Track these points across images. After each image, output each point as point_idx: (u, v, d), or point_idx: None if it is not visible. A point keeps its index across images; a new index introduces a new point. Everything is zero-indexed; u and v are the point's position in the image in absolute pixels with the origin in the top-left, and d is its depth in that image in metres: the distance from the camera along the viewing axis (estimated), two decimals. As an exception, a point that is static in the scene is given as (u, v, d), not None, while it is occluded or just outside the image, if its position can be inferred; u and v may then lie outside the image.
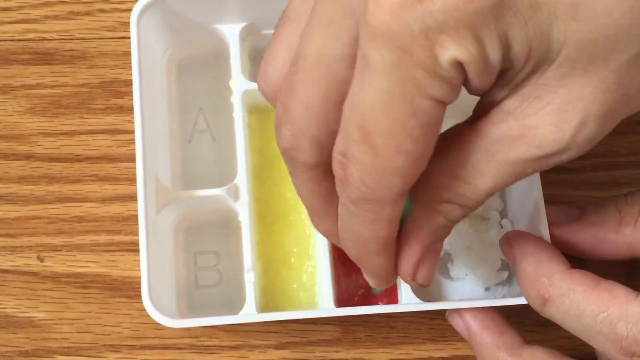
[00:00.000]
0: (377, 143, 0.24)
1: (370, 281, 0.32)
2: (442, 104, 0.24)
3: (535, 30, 0.23)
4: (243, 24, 0.40)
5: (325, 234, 0.31)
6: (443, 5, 0.22)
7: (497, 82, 0.25)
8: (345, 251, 0.30)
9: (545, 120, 0.25)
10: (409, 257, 0.30)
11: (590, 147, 0.26)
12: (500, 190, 0.28)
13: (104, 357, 0.40)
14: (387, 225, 0.27)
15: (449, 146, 0.27)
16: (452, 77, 0.23)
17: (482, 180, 0.27)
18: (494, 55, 0.23)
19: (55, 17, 0.44)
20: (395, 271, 0.30)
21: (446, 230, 0.29)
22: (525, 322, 0.38)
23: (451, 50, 0.22)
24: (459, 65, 0.23)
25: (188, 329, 0.40)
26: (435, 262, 0.31)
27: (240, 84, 0.39)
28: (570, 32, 0.23)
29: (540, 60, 0.24)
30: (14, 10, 0.44)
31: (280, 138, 0.27)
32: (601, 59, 0.24)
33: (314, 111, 0.25)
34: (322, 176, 0.28)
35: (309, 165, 0.27)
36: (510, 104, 0.25)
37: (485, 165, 0.26)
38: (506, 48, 0.23)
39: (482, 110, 0.26)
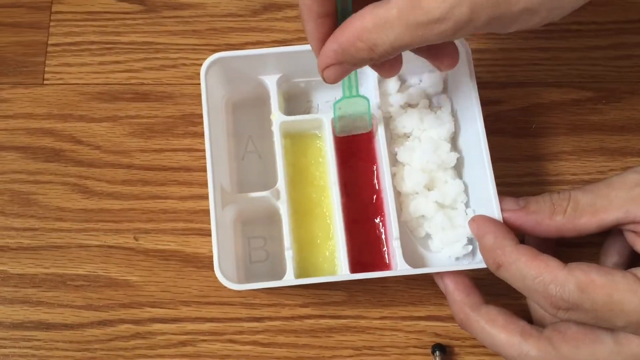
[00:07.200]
0: None
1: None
2: None
3: None
4: (279, 75, 0.44)
5: None
6: None
7: None
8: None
9: None
10: (322, 59, 0.34)
11: (466, 31, 0.30)
12: (404, 48, 0.31)
13: (178, 309, 0.45)
14: (310, 14, 0.33)
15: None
16: None
17: (391, 35, 0.31)
18: None
19: (151, 68, 0.49)
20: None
21: (353, 65, 0.34)
22: (483, 292, 0.41)
23: None
24: None
25: (239, 291, 0.44)
26: (342, 74, 0.34)
27: (278, 118, 0.43)
28: None
29: None
30: (122, 63, 0.50)
31: None
32: None
33: None
34: None
35: None
36: None
37: (395, 24, 0.31)
38: None
39: None
